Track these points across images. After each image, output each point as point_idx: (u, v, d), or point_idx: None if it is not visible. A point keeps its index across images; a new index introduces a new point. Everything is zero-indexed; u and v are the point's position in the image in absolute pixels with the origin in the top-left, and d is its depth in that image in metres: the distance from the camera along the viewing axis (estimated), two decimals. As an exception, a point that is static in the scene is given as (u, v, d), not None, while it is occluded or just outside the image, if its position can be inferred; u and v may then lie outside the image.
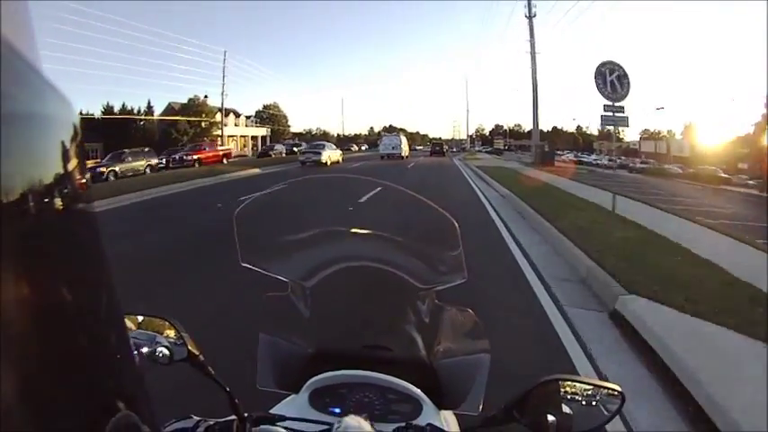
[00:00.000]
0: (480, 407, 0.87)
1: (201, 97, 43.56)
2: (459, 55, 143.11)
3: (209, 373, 0.81)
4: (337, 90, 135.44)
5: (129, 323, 0.80)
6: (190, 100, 42.83)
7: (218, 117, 46.49)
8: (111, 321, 0.33)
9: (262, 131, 56.85)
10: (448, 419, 0.90)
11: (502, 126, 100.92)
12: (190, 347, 0.81)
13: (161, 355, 0.80)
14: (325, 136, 73.32)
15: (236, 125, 51.71)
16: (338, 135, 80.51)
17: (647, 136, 78.27)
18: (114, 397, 0.32)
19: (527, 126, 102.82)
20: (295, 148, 35.82)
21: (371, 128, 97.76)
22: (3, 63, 0.26)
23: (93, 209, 0.33)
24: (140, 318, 0.83)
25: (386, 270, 1.02)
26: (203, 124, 41.68)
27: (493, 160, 32.12)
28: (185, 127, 40.54)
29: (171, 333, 0.82)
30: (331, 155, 22.50)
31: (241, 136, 51.94)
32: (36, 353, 0.26)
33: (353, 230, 1.11)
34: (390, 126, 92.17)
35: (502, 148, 70.68)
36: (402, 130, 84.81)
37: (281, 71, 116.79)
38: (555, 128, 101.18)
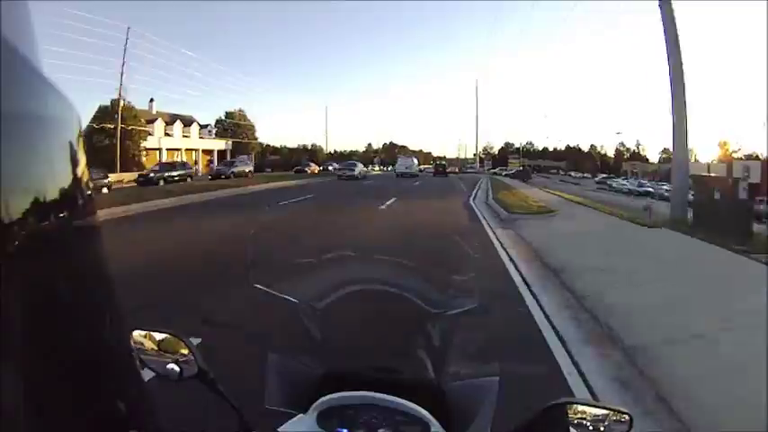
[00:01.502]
0: (488, 430, 0.91)
1: (126, 100, 37.47)
2: (464, 68, 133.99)
3: (219, 390, 0.86)
4: (325, 100, 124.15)
5: (139, 338, 0.86)
6: (112, 101, 36.77)
7: (156, 125, 41.20)
8: (114, 330, 0.34)
9: (219, 144, 50.12)
10: None
11: (512, 144, 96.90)
12: (200, 364, 0.85)
13: (171, 371, 0.84)
14: (311, 152, 70.35)
15: (185, 136, 46.18)
16: (330, 152, 76.47)
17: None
18: (119, 412, 0.33)
19: (539, 144, 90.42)
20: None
21: (369, 144, 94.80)
22: (3, 63, 0.26)
23: (94, 207, 0.34)
24: (151, 333, 0.87)
25: (397, 294, 1.10)
26: (132, 132, 36.82)
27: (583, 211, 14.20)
28: (101, 137, 34.61)
29: (181, 350, 0.86)
30: (360, 170, 32.86)
31: (189, 150, 45.70)
32: (36, 362, 0.26)
33: (364, 255, 1.19)
34: (391, 143, 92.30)
35: (527, 168, 62.66)
36: (403, 147, 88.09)
37: (254, 75, 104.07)
38: (570, 146, 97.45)
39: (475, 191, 21.19)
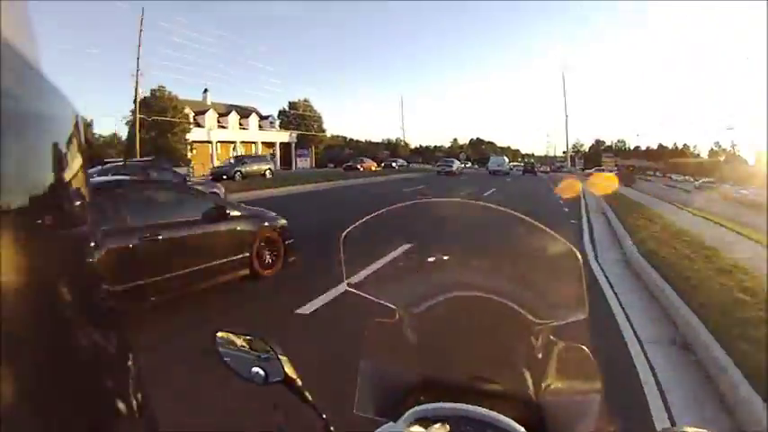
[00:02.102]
0: None
1: (168, 90, 35.76)
2: (551, 62, 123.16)
3: (305, 397, 0.88)
4: (405, 92, 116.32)
5: (226, 341, 0.91)
6: (152, 92, 35.05)
7: (207, 116, 39.32)
8: (113, 330, 0.35)
9: (282, 136, 47.28)
10: None
11: (603, 142, 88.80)
12: (286, 369, 0.87)
13: (256, 374, 0.87)
14: (393, 147, 69.30)
15: (242, 128, 43.86)
16: (416, 147, 76.87)
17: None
18: (118, 413, 0.34)
19: (631, 142, 79.48)
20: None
21: (455, 139, 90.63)
22: (3, 63, 0.26)
23: (93, 207, 0.35)
24: (235, 335, 0.91)
25: (499, 302, 1.07)
26: (173, 124, 34.56)
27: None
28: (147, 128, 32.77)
29: (267, 353, 0.89)
30: (457, 167, 39.00)
31: (245, 143, 42.77)
32: (30, 357, 0.27)
33: (466, 259, 1.18)
34: (478, 139, 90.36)
35: (627, 170, 49.31)
36: (490, 143, 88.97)
37: (325, 63, 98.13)
38: (662, 145, 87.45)
39: (585, 219, 13.13)
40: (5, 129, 0.26)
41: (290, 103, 50.03)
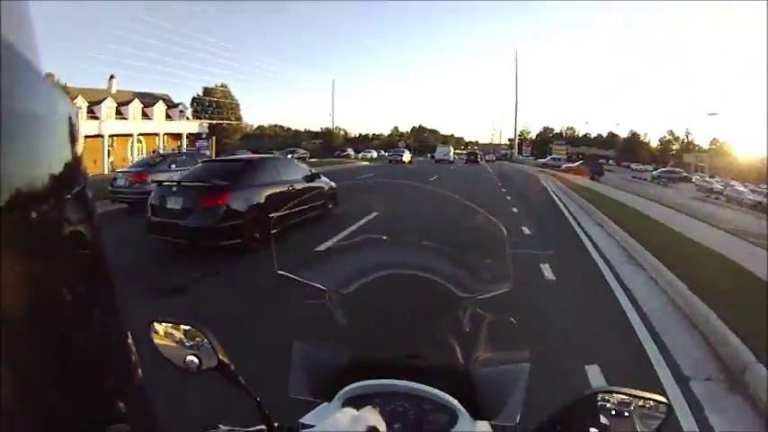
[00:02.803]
0: (518, 418, 0.96)
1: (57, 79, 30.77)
2: (497, 48, 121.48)
3: (239, 381, 0.91)
4: (340, 77, 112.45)
5: (159, 330, 0.92)
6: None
7: (104, 106, 33.21)
8: (114, 329, 0.36)
9: (191, 126, 41.47)
10: (484, 431, 1.00)
11: (552, 129, 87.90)
12: (220, 356, 0.90)
13: (191, 363, 0.89)
14: (326, 136, 65.28)
15: (145, 117, 38.00)
16: (355, 136, 74.98)
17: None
18: (118, 411, 0.34)
19: (581, 129, 79.12)
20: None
21: (395, 127, 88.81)
22: (3, 63, 0.27)
23: (93, 207, 0.35)
24: (171, 325, 0.92)
25: (426, 278, 1.15)
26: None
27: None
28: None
29: (201, 341, 0.91)
30: (406, 157, 41.19)
31: (146, 135, 37.00)
32: (36, 361, 0.28)
33: (393, 238, 1.26)
34: (420, 126, 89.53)
35: (594, 159, 48.63)
36: (433, 131, 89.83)
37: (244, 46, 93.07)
38: (613, 134, 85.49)
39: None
40: (5, 128, 0.26)
41: (204, 89, 46.19)
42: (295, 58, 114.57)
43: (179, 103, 43.43)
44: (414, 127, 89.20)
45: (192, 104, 45.82)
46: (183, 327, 0.90)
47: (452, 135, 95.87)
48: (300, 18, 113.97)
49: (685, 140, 77.91)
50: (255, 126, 68.56)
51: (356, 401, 0.90)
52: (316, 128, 72.96)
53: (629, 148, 76.33)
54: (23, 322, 0.26)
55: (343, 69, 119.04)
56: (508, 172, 30.98)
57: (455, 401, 0.93)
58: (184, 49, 75.86)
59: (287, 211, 5.58)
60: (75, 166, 0.33)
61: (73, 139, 0.33)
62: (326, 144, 59.94)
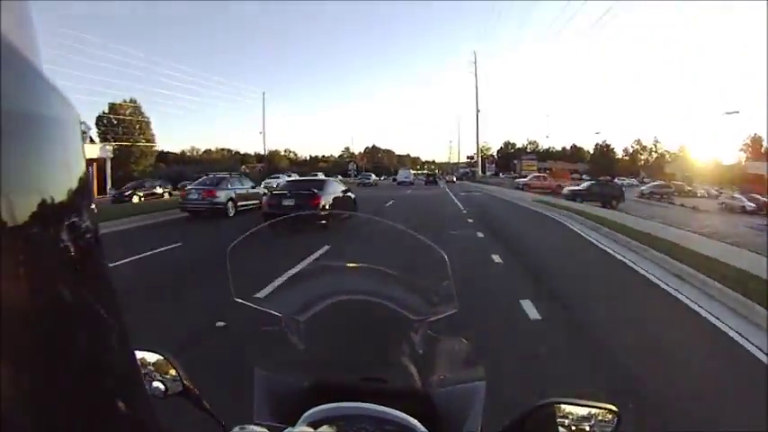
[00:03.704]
0: None
1: None
2: (451, 64, 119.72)
3: (205, 407, 0.94)
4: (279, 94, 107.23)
5: None
6: None
7: None
8: (116, 337, 0.35)
9: (91, 151, 32.17)
10: None
11: (514, 144, 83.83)
12: (185, 381, 0.92)
13: (156, 389, 0.90)
14: (270, 159, 62.86)
15: None
16: (304, 158, 75.28)
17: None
18: (109, 407, 0.34)
19: (543, 143, 75.63)
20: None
21: (347, 148, 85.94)
22: (3, 63, 0.27)
23: (94, 209, 0.35)
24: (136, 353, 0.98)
25: (378, 303, 1.17)
26: None
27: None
28: None
29: (165, 367, 0.93)
30: (375, 180, 55.92)
31: None
32: (38, 367, 0.28)
33: (346, 264, 1.29)
34: (374, 146, 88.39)
35: (609, 182, 33.94)
36: (387, 151, 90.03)
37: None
38: (577, 146, 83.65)
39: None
40: (6, 129, 0.26)
41: (110, 105, 39.78)
42: (228, 71, 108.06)
43: (81, 123, 36.57)
44: (367, 147, 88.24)
45: (96, 124, 40.90)
46: (147, 353, 0.92)
47: (408, 155, 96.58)
48: (233, 28, 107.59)
49: (653, 149, 75.54)
50: (203, 150, 66.50)
51: (319, 425, 0.91)
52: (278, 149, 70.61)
53: (601, 161, 74.46)
54: (24, 326, 0.26)
55: (287, 87, 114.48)
56: (480, 207, 19.57)
57: (416, 422, 0.96)
58: (90, 59, 66.15)
59: (338, 211, 12.30)
60: (76, 167, 0.32)
61: (75, 140, 0.32)
62: (271, 168, 53.74)
